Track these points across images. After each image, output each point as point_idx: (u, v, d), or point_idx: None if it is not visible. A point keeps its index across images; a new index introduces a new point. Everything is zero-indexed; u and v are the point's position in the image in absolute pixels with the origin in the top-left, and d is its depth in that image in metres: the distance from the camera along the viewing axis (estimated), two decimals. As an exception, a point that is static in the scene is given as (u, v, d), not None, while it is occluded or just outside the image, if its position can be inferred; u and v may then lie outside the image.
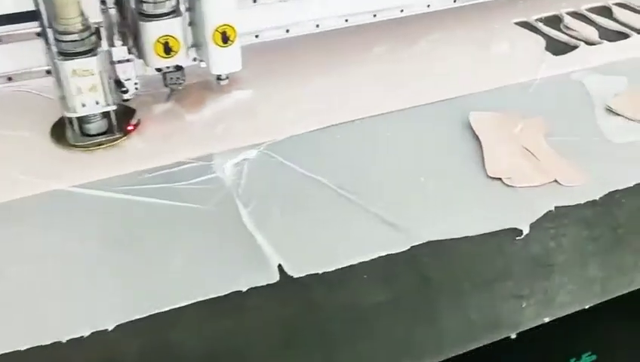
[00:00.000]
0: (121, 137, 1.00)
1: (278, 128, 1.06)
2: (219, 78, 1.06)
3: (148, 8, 0.95)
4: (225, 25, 0.97)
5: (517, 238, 0.84)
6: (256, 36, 1.12)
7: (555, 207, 0.88)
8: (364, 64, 1.23)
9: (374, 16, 1.20)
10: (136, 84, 0.99)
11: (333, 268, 0.78)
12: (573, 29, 1.36)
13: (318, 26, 1.16)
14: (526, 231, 0.84)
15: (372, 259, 0.80)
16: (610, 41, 1.31)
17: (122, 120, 1.02)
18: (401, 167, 0.97)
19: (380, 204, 0.89)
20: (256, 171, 0.96)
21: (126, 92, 0.99)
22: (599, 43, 1.31)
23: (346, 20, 1.17)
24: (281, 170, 0.97)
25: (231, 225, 0.85)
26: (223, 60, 1.02)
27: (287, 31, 1.15)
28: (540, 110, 1.10)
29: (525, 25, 1.37)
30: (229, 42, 0.99)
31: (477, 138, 1.03)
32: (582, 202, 0.89)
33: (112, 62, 0.97)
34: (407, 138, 1.04)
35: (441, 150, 1.01)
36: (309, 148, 1.02)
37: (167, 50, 0.97)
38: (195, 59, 1.05)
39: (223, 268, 0.78)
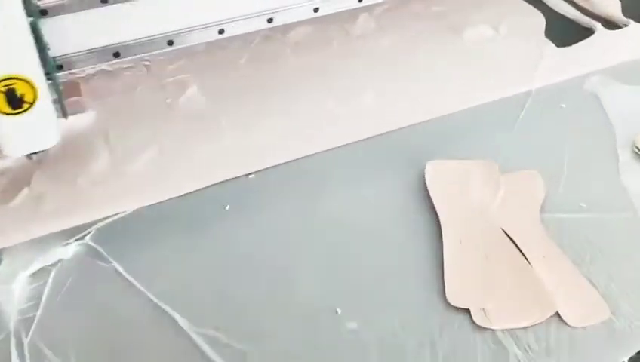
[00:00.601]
0: None
1: (123, 193, 0.66)
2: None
3: None
4: (11, 78, 0.54)
5: None
6: (116, 54, 0.69)
7: (557, 387, 0.52)
8: (271, 76, 0.81)
9: (315, 10, 0.77)
10: None
11: None
12: (585, -1, 0.94)
13: (222, 32, 0.73)
14: None
15: None
16: (639, 21, 0.90)
17: None
18: (311, 279, 0.59)
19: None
20: (67, 291, 0.58)
21: None
22: (624, 24, 0.90)
23: (270, 21, 0.74)
24: (110, 289, 0.58)
25: None
26: (17, 136, 0.58)
27: (171, 43, 0.72)
28: (533, 154, 0.71)
29: (519, -7, 0.95)
30: (25, 106, 0.56)
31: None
32: (602, 370, 0.53)
33: None
34: (324, 211, 0.65)
35: (378, 235, 0.63)
36: (169, 235, 0.63)
37: None
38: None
39: None
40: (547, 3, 0.94)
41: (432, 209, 0.65)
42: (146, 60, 0.82)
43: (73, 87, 0.77)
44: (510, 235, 0.62)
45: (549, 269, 0.59)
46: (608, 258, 0.61)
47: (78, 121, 0.73)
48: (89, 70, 0.79)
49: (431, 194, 0.66)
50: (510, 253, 0.61)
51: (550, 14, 0.92)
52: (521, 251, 0.61)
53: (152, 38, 0.70)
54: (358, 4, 0.80)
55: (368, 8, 0.91)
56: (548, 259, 0.60)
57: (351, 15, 0.90)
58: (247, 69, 0.82)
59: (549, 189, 0.67)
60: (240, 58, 0.84)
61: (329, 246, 0.62)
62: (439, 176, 0.68)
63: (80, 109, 0.75)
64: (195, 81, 0.80)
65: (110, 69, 0.80)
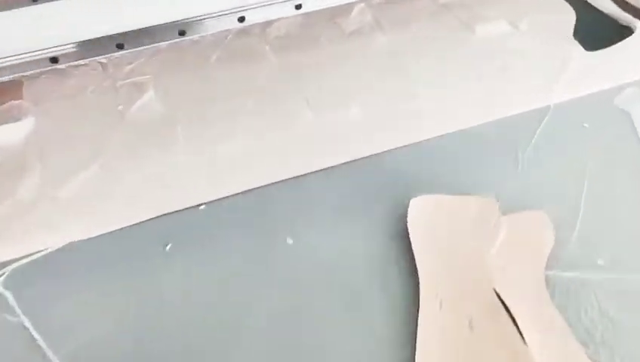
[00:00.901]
0: None
1: (49, 224, 0.57)
2: None
3: None
4: None
5: None
6: (54, 60, 0.60)
7: None
8: (243, 79, 0.70)
9: (298, 7, 0.66)
10: None
11: None
12: (625, -10, 0.79)
13: (183, 33, 0.63)
14: None
15: None
16: (688, 19, 0.75)
17: None
18: (254, 345, 0.49)
19: None
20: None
21: None
22: (670, 24, 0.75)
23: (242, 20, 0.65)
24: (15, 351, 0.49)
25: None
26: None
27: (121, 46, 0.63)
28: (544, 189, 0.59)
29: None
30: None
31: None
32: None
33: None
34: (283, 258, 0.55)
35: (341, 292, 0.52)
36: (95, 280, 0.53)
37: None
38: None
39: None
40: (580, -6, 0.79)
41: (413, 259, 0.53)
42: (103, 57, 0.71)
43: (14, 89, 0.68)
44: (504, 299, 0.51)
45: (547, 349, 0.48)
46: (622, 336, 0.49)
47: (12, 132, 0.64)
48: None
49: (412, 240, 0.55)
50: (501, 324, 0.49)
51: (582, 8, 0.77)
52: (515, 321, 0.49)
53: (96, 40, 0.60)
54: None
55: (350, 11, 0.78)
56: (547, 334, 0.49)
57: (344, 6, 0.77)
58: (217, 69, 0.71)
59: (560, 237, 0.55)
60: (210, 56, 0.72)
61: (281, 303, 0.51)
62: (425, 215, 0.56)
63: (17, 116, 0.65)
64: (155, 83, 0.69)
65: (62, 66, 0.70)
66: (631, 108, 0.65)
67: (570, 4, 0.77)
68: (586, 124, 0.64)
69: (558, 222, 0.56)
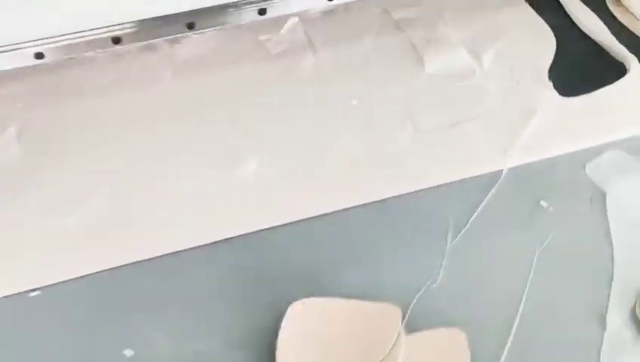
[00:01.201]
0: None
1: None
2: None
3: None
4: None
5: None
6: None
7: None
8: (127, 114, 0.57)
9: (190, 26, 0.54)
10: None
11: None
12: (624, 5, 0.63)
13: (40, 56, 0.51)
14: None
15: None
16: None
17: None
18: None
19: None
20: None
21: None
22: (676, 63, 0.59)
23: (117, 41, 0.52)
24: None
25: None
26: None
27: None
28: (470, 296, 0.45)
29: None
30: None
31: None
32: None
33: None
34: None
35: None
36: None
37: None
38: None
39: None
40: (570, 14, 0.63)
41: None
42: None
43: None
44: None
45: None
46: None
47: None
48: None
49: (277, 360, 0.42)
50: None
51: (566, 34, 0.62)
52: None
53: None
54: (259, 17, 0.55)
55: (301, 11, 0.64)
56: None
57: (275, 20, 0.63)
58: (100, 101, 0.58)
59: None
60: (96, 80, 0.60)
61: None
62: (304, 326, 0.44)
63: None
64: (22, 117, 0.57)
65: None
66: (606, 183, 0.50)
67: (552, 27, 0.62)
68: (543, 202, 0.50)
69: (478, 345, 0.42)
